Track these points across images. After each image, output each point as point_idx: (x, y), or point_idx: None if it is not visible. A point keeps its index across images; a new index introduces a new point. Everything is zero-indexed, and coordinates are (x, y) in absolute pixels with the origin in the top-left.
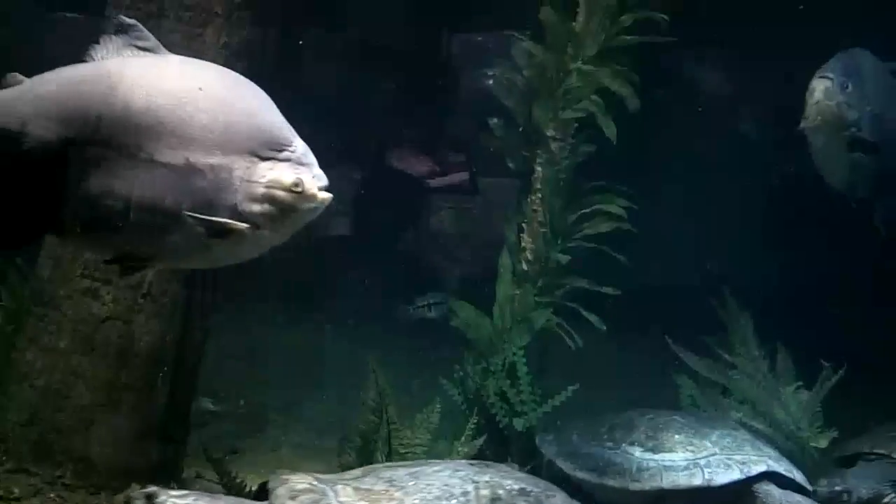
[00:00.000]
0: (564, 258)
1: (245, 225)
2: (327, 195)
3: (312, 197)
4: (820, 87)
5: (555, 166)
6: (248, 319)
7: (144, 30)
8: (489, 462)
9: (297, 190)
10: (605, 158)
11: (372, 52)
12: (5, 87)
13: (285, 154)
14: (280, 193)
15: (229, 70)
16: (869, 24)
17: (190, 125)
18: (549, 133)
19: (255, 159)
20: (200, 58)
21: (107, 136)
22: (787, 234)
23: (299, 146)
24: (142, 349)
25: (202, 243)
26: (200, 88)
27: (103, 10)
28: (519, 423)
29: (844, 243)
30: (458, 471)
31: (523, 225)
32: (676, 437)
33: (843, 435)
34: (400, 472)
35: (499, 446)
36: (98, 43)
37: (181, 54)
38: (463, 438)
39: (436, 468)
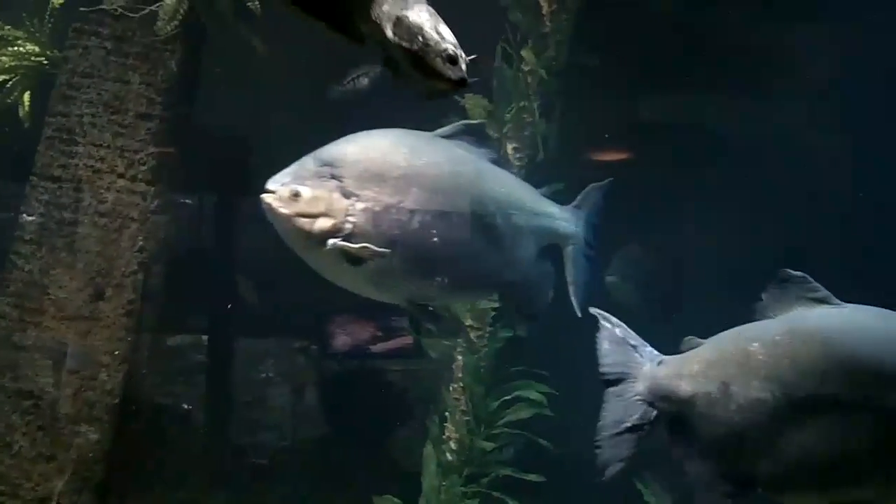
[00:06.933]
0: (489, 445)
1: None
2: None
3: None
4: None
5: (474, 354)
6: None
7: (814, 281)
8: None
9: None
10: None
11: None
12: (684, 351)
13: None
14: None
15: None
16: None
17: None
18: (468, 322)
19: None
20: (115, 263)
21: (833, 391)
22: None
23: None
24: None
25: None
26: None
27: None
28: None
29: None
30: None
31: (446, 415)
32: None
33: None
34: None
35: None
36: None
37: (96, 260)
38: None
39: None
